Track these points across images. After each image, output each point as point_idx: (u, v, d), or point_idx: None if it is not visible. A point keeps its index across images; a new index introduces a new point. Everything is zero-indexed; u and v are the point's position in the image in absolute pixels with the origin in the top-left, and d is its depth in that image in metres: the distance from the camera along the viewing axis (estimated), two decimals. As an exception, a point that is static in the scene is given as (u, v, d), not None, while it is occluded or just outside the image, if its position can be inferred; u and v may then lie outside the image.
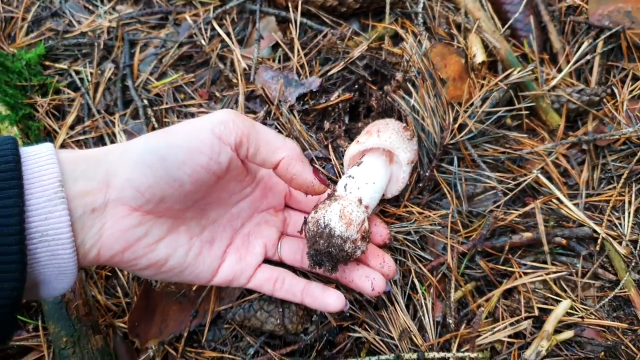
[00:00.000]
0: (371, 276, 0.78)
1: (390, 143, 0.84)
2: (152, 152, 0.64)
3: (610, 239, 0.93)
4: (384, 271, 0.80)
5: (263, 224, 0.86)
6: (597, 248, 0.93)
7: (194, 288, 0.94)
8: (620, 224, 0.95)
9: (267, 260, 0.85)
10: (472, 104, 0.97)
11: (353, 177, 0.81)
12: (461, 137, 0.95)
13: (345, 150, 0.92)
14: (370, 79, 1.05)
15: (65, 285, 0.64)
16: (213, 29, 1.16)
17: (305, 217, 0.78)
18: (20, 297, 0.58)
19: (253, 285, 0.81)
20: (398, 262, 0.92)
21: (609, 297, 0.89)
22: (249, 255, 0.82)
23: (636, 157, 0.99)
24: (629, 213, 0.95)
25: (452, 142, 0.96)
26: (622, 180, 0.98)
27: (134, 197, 0.65)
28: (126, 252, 0.67)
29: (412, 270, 0.92)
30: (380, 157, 0.86)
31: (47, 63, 1.20)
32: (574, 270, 0.92)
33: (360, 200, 0.78)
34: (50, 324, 0.88)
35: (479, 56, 1.03)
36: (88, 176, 0.63)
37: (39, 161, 0.61)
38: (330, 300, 0.78)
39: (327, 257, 0.74)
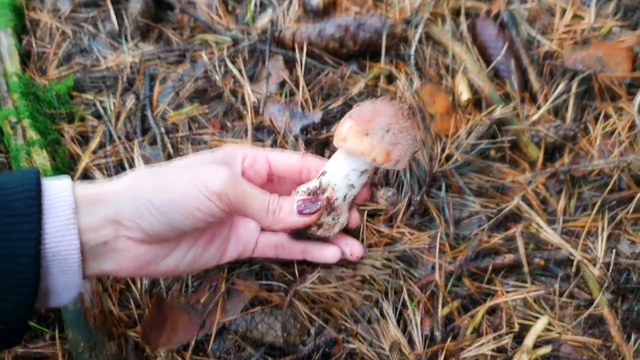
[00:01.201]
0: (350, 243, 0.88)
1: (404, 165, 0.85)
2: (156, 207, 0.72)
3: (586, 261, 1.01)
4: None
5: None
6: (574, 270, 1.02)
7: (201, 300, 1.02)
8: (594, 248, 1.03)
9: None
10: (458, 137, 1.08)
11: (353, 187, 0.84)
12: (448, 166, 1.06)
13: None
14: (367, 113, 1.16)
15: (70, 297, 0.74)
16: (226, 66, 1.28)
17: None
18: (32, 306, 0.67)
19: (258, 253, 0.91)
20: (389, 281, 1.00)
21: (584, 315, 0.97)
22: (247, 232, 0.91)
23: (608, 188, 1.09)
24: (602, 238, 1.04)
25: (440, 170, 1.06)
26: (595, 208, 1.07)
27: (141, 236, 0.74)
28: (140, 271, 0.80)
29: (403, 288, 1.00)
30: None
31: (74, 94, 1.32)
32: (552, 290, 1.00)
33: (351, 206, 0.87)
34: (69, 330, 0.95)
35: (465, 94, 1.15)
36: (100, 214, 0.72)
37: (57, 192, 0.70)
38: (327, 253, 0.87)
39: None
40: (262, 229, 0.93)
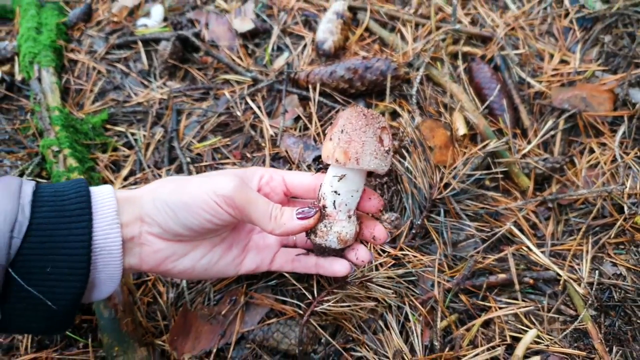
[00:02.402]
0: (356, 248, 0.95)
1: (372, 166, 0.86)
2: (169, 207, 0.85)
3: (571, 281, 1.11)
4: (377, 242, 0.96)
5: None
6: (560, 288, 1.12)
7: (222, 312, 1.12)
8: (579, 269, 1.14)
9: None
10: (455, 167, 1.20)
11: (339, 193, 0.89)
12: (446, 193, 1.18)
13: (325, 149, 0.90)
14: (373, 146, 1.30)
15: (110, 289, 0.86)
16: (247, 103, 1.43)
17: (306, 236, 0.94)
18: (82, 293, 0.79)
19: (275, 267, 1.00)
20: (393, 297, 1.10)
21: (570, 329, 1.06)
22: (266, 247, 1.00)
23: (592, 215, 1.20)
24: (587, 260, 1.14)
25: (439, 197, 1.18)
26: (581, 233, 1.18)
27: (159, 232, 0.87)
28: (160, 266, 0.90)
29: (406, 303, 1.10)
30: (361, 170, 0.89)
31: (108, 126, 1.46)
32: (540, 306, 1.10)
33: (349, 215, 0.91)
34: (104, 336, 1.06)
35: (462, 129, 1.28)
36: (128, 213, 0.85)
37: (103, 197, 0.84)
38: (337, 267, 0.94)
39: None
40: (282, 245, 1.04)
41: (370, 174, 1.07)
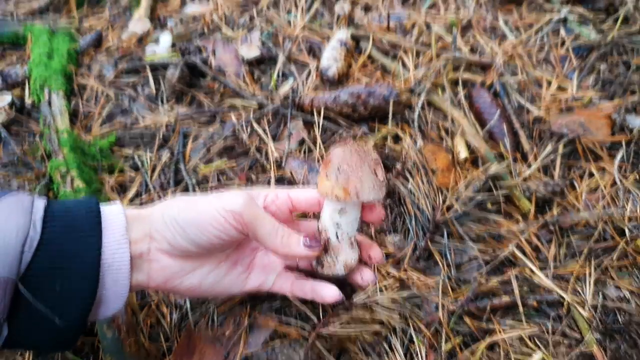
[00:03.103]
0: (362, 270, 0.97)
1: (371, 197, 0.90)
2: (178, 223, 0.85)
3: (575, 303, 1.12)
4: (373, 262, 0.98)
5: None
6: (564, 311, 1.12)
7: (226, 333, 1.12)
8: (582, 292, 1.14)
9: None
10: (457, 190, 1.22)
11: (340, 225, 0.93)
12: (449, 215, 1.19)
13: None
14: (376, 169, 1.32)
15: (117, 307, 0.86)
16: (252, 126, 1.46)
17: (310, 266, 0.97)
18: (89, 309, 0.79)
19: (276, 288, 1.00)
20: (397, 320, 1.10)
21: (575, 352, 1.06)
22: (270, 265, 1.01)
23: (594, 238, 1.21)
24: (590, 283, 1.15)
25: (442, 219, 1.19)
26: (583, 256, 1.19)
27: (168, 248, 0.87)
28: (167, 283, 0.90)
29: (411, 325, 1.10)
30: (359, 203, 0.93)
31: (115, 149, 1.49)
32: (545, 329, 1.10)
33: (351, 242, 0.94)
34: (107, 356, 1.05)
35: (463, 153, 1.30)
36: (138, 230, 0.86)
37: (112, 214, 0.85)
38: (325, 293, 0.95)
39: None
40: (285, 267, 1.05)
41: None
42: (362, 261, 1.01)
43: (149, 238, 0.87)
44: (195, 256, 0.91)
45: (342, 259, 0.95)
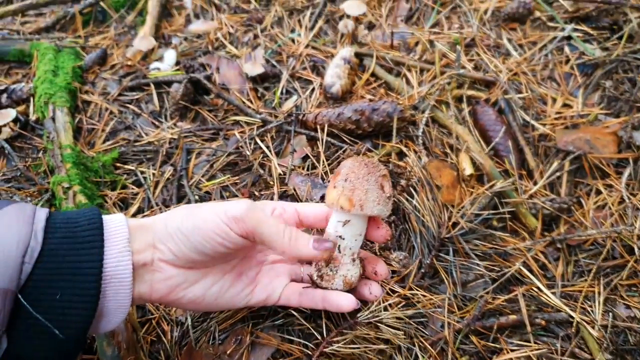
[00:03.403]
0: (369, 284, 0.97)
1: (375, 211, 0.90)
2: (181, 231, 0.85)
3: (584, 323, 1.09)
4: (378, 278, 0.98)
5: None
6: (573, 330, 1.09)
7: (228, 352, 1.10)
8: (592, 311, 1.11)
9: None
10: (463, 207, 1.20)
11: (344, 238, 0.93)
12: (455, 232, 1.17)
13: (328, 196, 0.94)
14: (380, 185, 1.31)
15: (118, 320, 0.84)
16: (256, 143, 1.45)
17: (310, 278, 0.97)
18: (90, 322, 0.77)
19: (282, 301, 0.98)
20: (402, 338, 1.08)
21: (586, 374, 1.03)
22: (276, 278, 0.99)
23: (602, 256, 1.19)
24: (599, 302, 1.12)
25: (447, 236, 1.17)
26: (591, 274, 1.17)
27: (172, 258, 0.86)
28: (170, 295, 0.88)
29: (416, 344, 1.08)
30: (364, 215, 0.94)
31: (118, 164, 1.49)
32: (554, 349, 1.07)
33: (353, 258, 0.94)
34: (106, 375, 1.03)
35: (468, 170, 1.29)
36: (141, 240, 0.85)
37: (115, 225, 0.84)
38: (342, 302, 0.93)
39: None
40: (291, 280, 1.03)
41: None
42: (367, 277, 1.00)
43: (152, 248, 0.86)
44: (199, 266, 0.90)
45: (342, 273, 0.95)
